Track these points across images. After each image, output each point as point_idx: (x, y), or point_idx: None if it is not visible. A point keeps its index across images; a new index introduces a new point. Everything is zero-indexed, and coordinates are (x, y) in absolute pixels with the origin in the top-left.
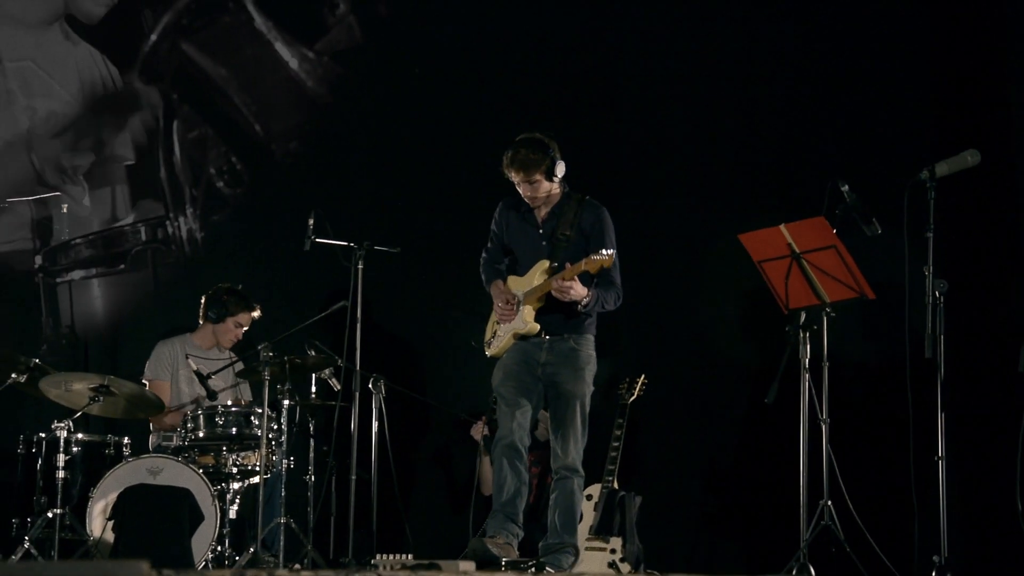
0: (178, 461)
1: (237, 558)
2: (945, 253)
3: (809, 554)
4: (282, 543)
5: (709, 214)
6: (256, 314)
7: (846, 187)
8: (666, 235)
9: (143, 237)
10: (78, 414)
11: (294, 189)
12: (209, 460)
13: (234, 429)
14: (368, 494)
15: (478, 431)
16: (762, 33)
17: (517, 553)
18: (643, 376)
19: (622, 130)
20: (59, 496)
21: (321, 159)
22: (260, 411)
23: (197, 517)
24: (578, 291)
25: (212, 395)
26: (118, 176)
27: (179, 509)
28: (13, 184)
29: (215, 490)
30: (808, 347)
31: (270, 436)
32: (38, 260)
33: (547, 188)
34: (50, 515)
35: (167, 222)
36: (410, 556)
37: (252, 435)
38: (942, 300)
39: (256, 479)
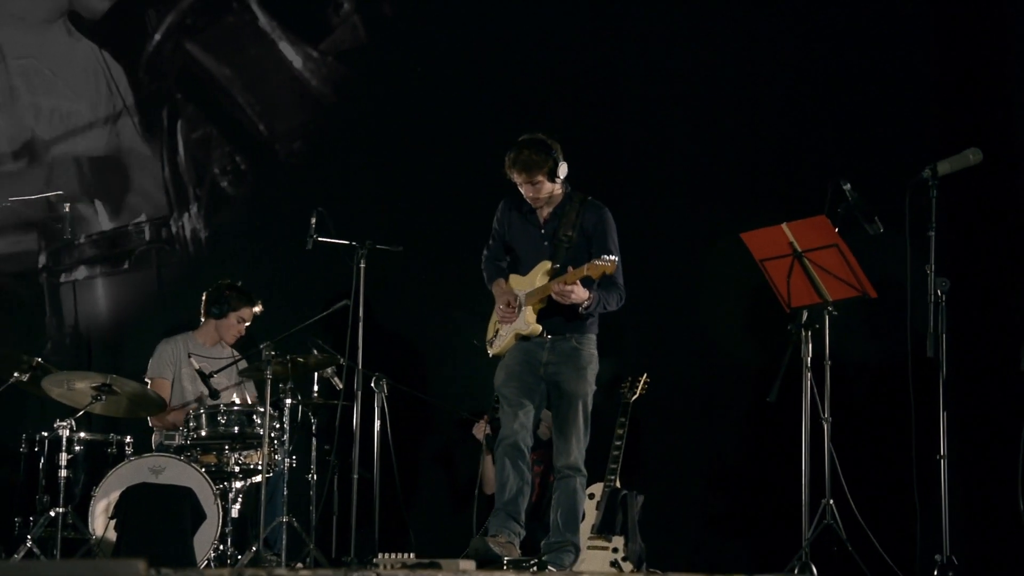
0: (180, 460)
1: (239, 557)
2: (947, 252)
3: (811, 553)
4: (284, 542)
5: (711, 213)
6: (258, 308)
7: (848, 186)
8: (668, 234)
9: (147, 237)
10: (80, 413)
11: (298, 189)
12: (211, 459)
13: (236, 428)
14: (370, 493)
15: (480, 430)
16: (763, 32)
17: (519, 552)
18: (645, 375)
19: (624, 129)
20: (61, 495)
21: (325, 159)
22: (262, 410)
23: (199, 516)
24: (579, 295)
25: (215, 394)
26: (122, 175)
27: (181, 508)
28: (17, 183)
29: (217, 489)
30: (810, 346)
31: (272, 435)
32: (42, 260)
33: (549, 189)
34: (52, 514)
35: (171, 222)
36: (412, 555)
37: (254, 434)
38: (944, 299)
39: (258, 478)
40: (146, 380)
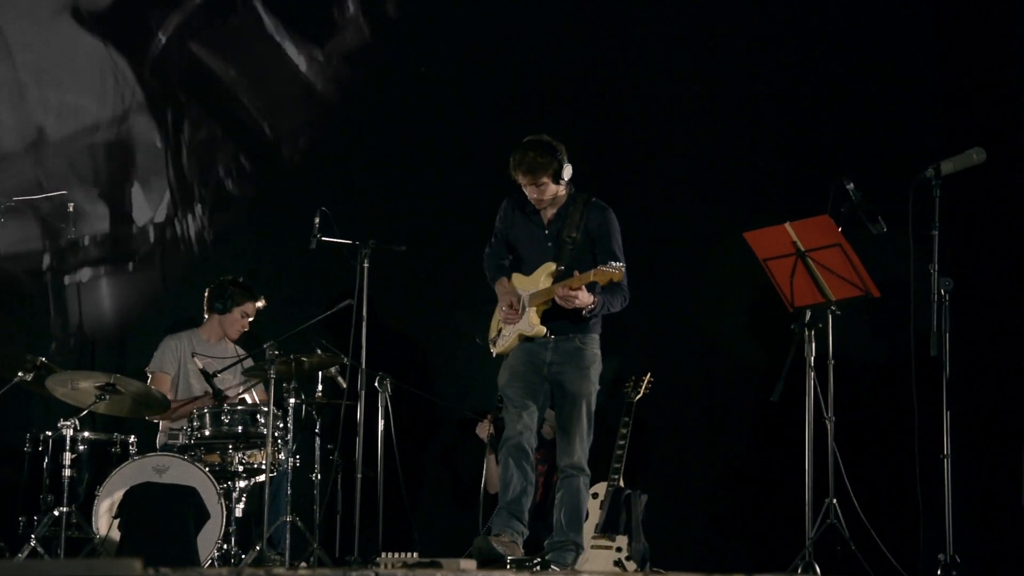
0: (184, 459)
1: (243, 556)
2: (950, 251)
3: (814, 552)
4: (288, 541)
5: (714, 212)
6: (261, 304)
7: (851, 185)
8: (671, 234)
9: (151, 237)
10: (84, 412)
11: (302, 189)
12: (215, 458)
13: (240, 427)
14: (374, 492)
15: (483, 430)
16: (766, 32)
17: (522, 551)
18: (649, 375)
19: (627, 129)
20: (65, 494)
21: (329, 159)
22: (266, 409)
23: (203, 515)
24: (583, 300)
25: (218, 394)
26: (126, 175)
27: (185, 507)
28: (22, 180)
29: (221, 488)
30: (813, 345)
31: (276, 434)
32: (47, 260)
33: (554, 191)
34: (56, 513)
35: (175, 222)
36: (415, 554)
37: (258, 433)
38: (947, 298)
39: (262, 477)
40: (147, 372)
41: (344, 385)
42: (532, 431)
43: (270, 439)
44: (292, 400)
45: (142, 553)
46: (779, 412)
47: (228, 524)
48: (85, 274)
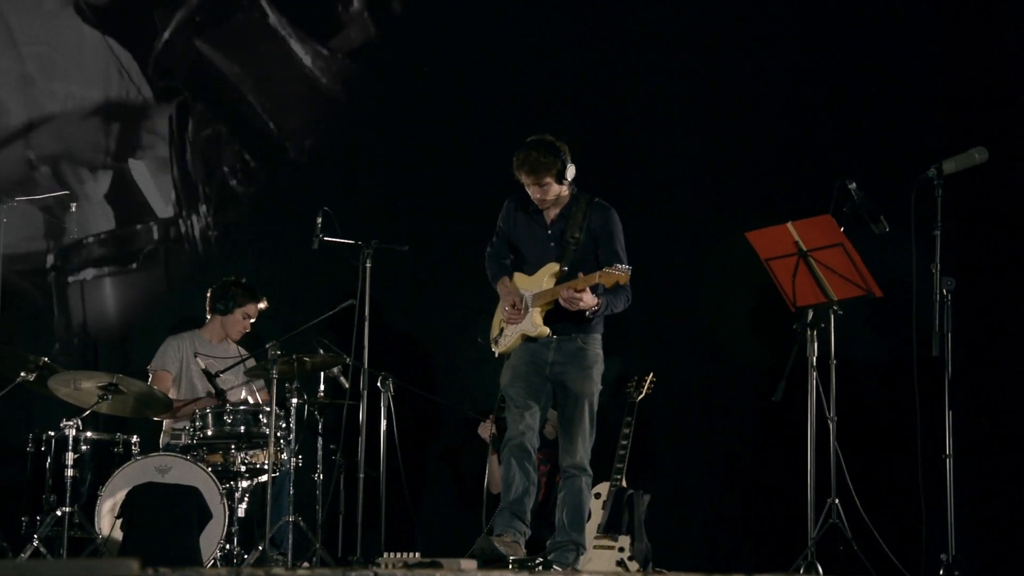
0: (187, 459)
1: (246, 556)
2: (952, 251)
3: (817, 552)
4: (290, 541)
5: (716, 212)
6: (263, 305)
7: (853, 185)
8: (673, 233)
9: (155, 236)
10: (87, 412)
11: (308, 187)
12: (218, 458)
13: (242, 427)
14: (377, 492)
15: (485, 430)
16: (768, 31)
17: (524, 551)
18: (651, 374)
19: (629, 129)
20: (68, 494)
21: (333, 157)
22: (268, 409)
23: (205, 515)
24: (587, 302)
25: (221, 394)
26: (130, 173)
27: (187, 507)
28: (21, 178)
29: (223, 488)
30: (815, 345)
31: (278, 434)
32: (50, 259)
33: (557, 191)
34: (59, 513)
35: (180, 220)
36: (418, 554)
37: (260, 433)
38: (949, 298)
39: (264, 477)
40: (148, 371)
41: (346, 385)
42: (534, 431)
43: (272, 439)
44: (294, 400)
45: (144, 553)
46: (781, 412)
47: (230, 524)
48: (89, 273)
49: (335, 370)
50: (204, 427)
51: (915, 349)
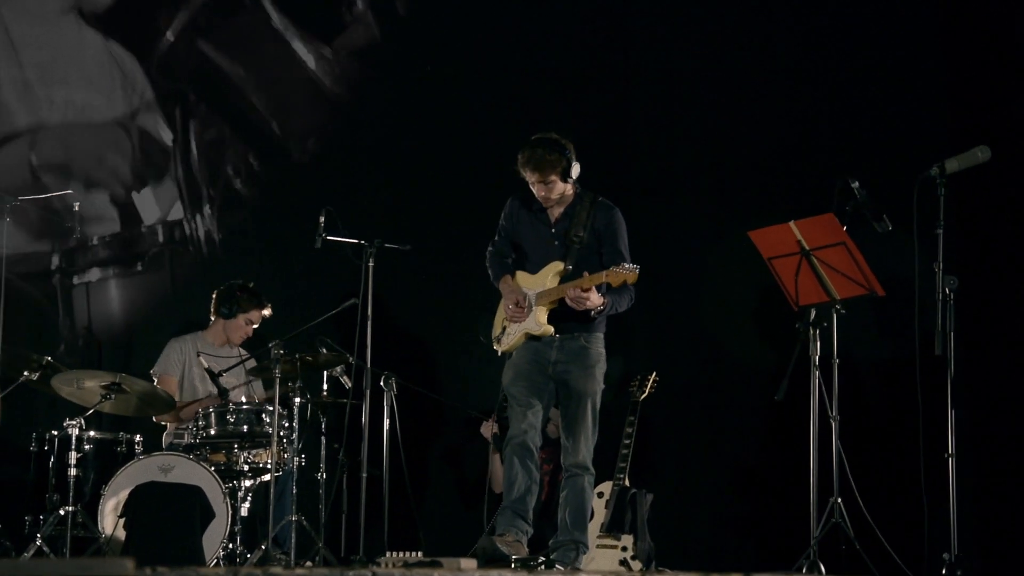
0: (189, 459)
1: (248, 556)
2: (955, 249)
3: (819, 551)
4: (293, 541)
5: (719, 211)
6: (267, 312)
7: (856, 184)
8: (676, 233)
9: (160, 238)
10: (90, 411)
11: (312, 188)
12: (220, 458)
13: (245, 427)
14: (379, 492)
15: (487, 429)
16: (771, 30)
17: (527, 550)
18: (654, 373)
19: (632, 128)
20: (71, 493)
21: (338, 158)
22: (271, 408)
23: (208, 515)
24: (594, 301)
25: (223, 393)
26: (134, 176)
27: (190, 507)
28: (19, 183)
29: (226, 488)
30: (818, 344)
31: (281, 434)
32: (55, 261)
33: (561, 189)
34: (62, 512)
35: (184, 222)
36: (420, 554)
37: (263, 433)
38: (952, 297)
39: (267, 477)
40: (153, 376)
41: (349, 384)
42: (536, 430)
43: (275, 438)
44: (297, 399)
45: (147, 552)
46: (784, 411)
47: (233, 523)
48: (94, 275)
49: (338, 369)
50: (207, 426)
51: (918, 348)
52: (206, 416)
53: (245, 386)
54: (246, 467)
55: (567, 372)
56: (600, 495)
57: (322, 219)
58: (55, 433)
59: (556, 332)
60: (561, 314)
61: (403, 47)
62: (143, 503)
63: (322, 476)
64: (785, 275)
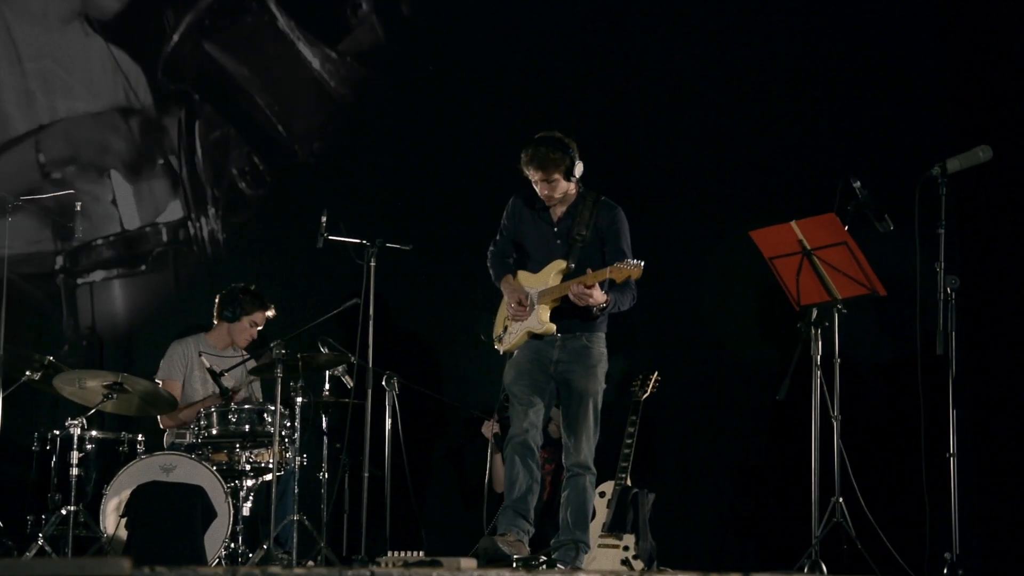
0: (191, 458)
1: (250, 555)
2: (957, 249)
3: (821, 551)
4: (295, 540)
5: (720, 211)
6: (271, 313)
7: (858, 183)
8: (678, 232)
9: (164, 238)
10: (92, 411)
11: (317, 190)
12: (222, 457)
13: (247, 426)
14: (381, 491)
15: (488, 429)
16: (774, 29)
17: (528, 550)
18: (656, 373)
19: (634, 128)
20: (73, 493)
21: (344, 159)
22: (273, 408)
23: (210, 514)
24: (597, 298)
25: (225, 392)
26: (139, 176)
27: (192, 506)
28: (29, 186)
29: (228, 487)
30: (820, 344)
31: (283, 433)
32: (59, 261)
33: (565, 188)
34: (64, 512)
35: (188, 223)
36: (422, 553)
37: (265, 432)
38: (954, 296)
39: (269, 476)
40: (157, 381)
41: (351, 384)
42: (538, 428)
43: (277, 438)
44: (299, 399)
45: (149, 552)
46: (785, 411)
47: (235, 523)
48: (98, 275)
49: (340, 369)
50: (209, 426)
51: (919, 348)
52: (208, 416)
53: (246, 387)
54: (248, 467)
55: (569, 371)
56: (602, 495)
57: (324, 219)
58: (57, 433)
59: (558, 331)
60: (563, 313)
61: (408, 49)
62: (145, 503)
63: (324, 476)
64: (786, 275)
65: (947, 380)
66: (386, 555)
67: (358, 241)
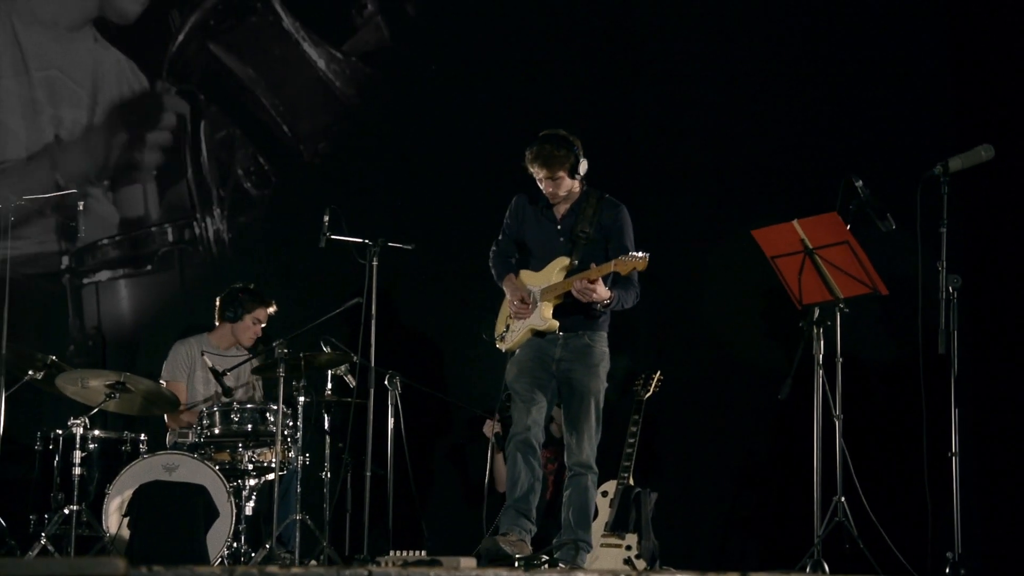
0: (194, 458)
1: (253, 555)
2: (959, 248)
3: (823, 550)
4: (298, 540)
5: (722, 210)
6: (272, 309)
7: (860, 182)
8: (680, 231)
9: (170, 238)
10: (95, 411)
11: (322, 190)
12: (225, 457)
13: (250, 426)
14: (384, 490)
15: (489, 428)
16: (777, 28)
17: (531, 549)
18: (659, 372)
19: (636, 127)
20: (76, 492)
21: (349, 159)
22: (275, 408)
23: (212, 514)
24: (601, 293)
25: (227, 391)
26: (145, 177)
27: (195, 506)
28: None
29: (231, 487)
30: (822, 343)
31: (285, 433)
32: (65, 261)
33: (569, 185)
34: (67, 511)
35: (194, 223)
36: (424, 552)
37: (268, 432)
38: (955, 296)
39: (272, 476)
40: (161, 382)
41: (353, 383)
42: (540, 426)
43: (280, 437)
44: (302, 398)
45: (151, 551)
46: (787, 410)
47: (238, 522)
48: (103, 275)
49: (342, 368)
50: (211, 425)
51: (921, 347)
52: (210, 415)
53: (246, 386)
54: (250, 466)
55: (571, 370)
56: (604, 494)
57: (326, 218)
58: (60, 432)
59: (560, 330)
60: (566, 311)
61: (413, 49)
62: (147, 502)
63: (326, 475)
64: (788, 274)
65: (949, 379)
66: (388, 554)
67: (360, 240)
